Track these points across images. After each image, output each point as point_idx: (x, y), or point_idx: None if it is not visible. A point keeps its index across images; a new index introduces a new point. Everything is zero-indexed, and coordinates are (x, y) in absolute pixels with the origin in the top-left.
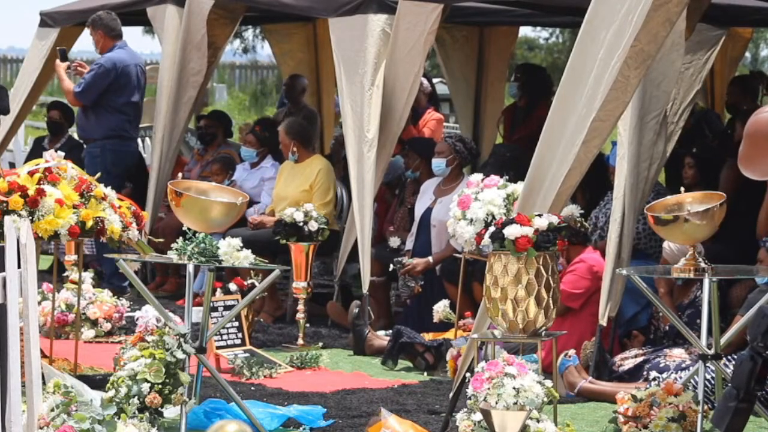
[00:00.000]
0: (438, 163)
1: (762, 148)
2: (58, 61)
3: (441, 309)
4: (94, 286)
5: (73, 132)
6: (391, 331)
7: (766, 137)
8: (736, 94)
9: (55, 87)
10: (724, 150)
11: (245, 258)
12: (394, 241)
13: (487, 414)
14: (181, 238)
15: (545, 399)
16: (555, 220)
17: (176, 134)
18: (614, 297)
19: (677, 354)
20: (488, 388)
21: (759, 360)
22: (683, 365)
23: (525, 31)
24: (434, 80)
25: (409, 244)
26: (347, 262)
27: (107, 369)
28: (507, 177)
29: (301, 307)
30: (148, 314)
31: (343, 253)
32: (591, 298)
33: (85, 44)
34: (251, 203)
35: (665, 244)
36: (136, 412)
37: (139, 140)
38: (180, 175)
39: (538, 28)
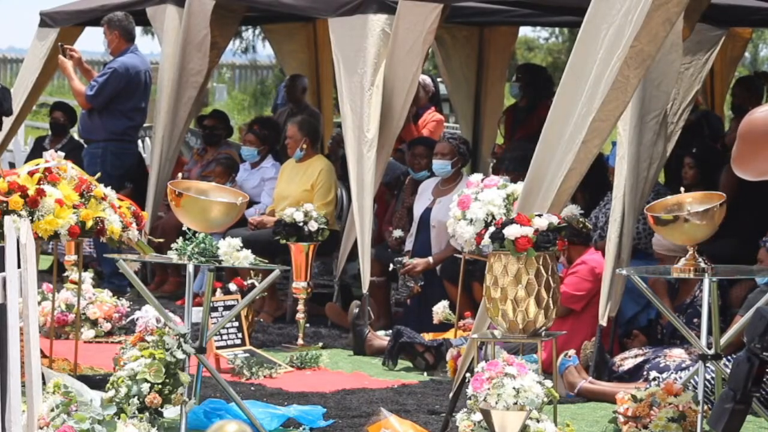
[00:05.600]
0: (443, 165)
1: (756, 147)
2: (63, 58)
3: (441, 310)
4: (94, 286)
5: (75, 132)
6: (391, 331)
7: (760, 136)
8: (741, 96)
9: (55, 87)
10: (726, 150)
11: (245, 258)
12: (396, 233)
13: (487, 414)
14: (181, 238)
15: (545, 399)
16: (555, 220)
17: (176, 134)
18: (614, 297)
19: (677, 354)
20: (488, 388)
21: (756, 361)
22: (683, 365)
23: (525, 31)
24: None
25: (409, 245)
26: (347, 262)
27: (107, 369)
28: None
29: (301, 307)
30: (148, 314)
31: (343, 253)
32: (593, 300)
33: (85, 44)
34: (251, 203)
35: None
36: (136, 412)
37: (139, 140)
38: (180, 175)
39: (538, 28)
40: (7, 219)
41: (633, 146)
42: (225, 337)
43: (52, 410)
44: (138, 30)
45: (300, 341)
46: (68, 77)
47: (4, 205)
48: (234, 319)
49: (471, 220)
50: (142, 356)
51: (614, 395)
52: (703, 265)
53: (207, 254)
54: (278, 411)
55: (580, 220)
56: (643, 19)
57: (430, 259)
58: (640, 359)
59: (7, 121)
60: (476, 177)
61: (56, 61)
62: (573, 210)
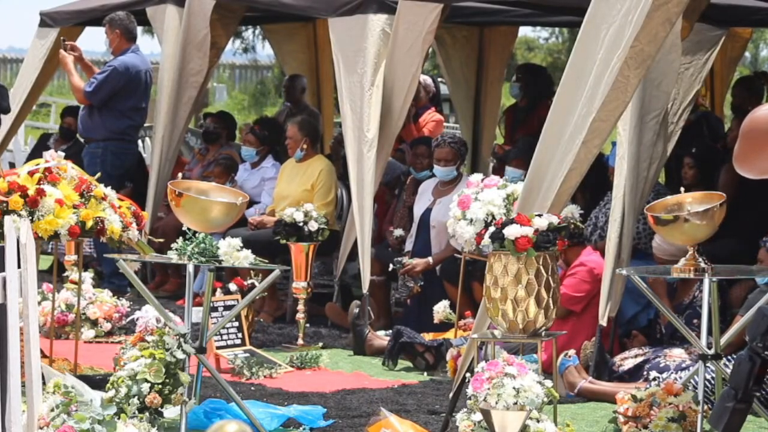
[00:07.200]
0: (448, 171)
1: (758, 145)
2: (63, 52)
3: (441, 310)
4: (94, 286)
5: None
6: (391, 331)
7: (762, 134)
8: (741, 96)
9: (55, 87)
10: (726, 151)
11: (245, 258)
12: (397, 232)
13: (487, 414)
14: (181, 238)
15: (545, 399)
16: (555, 220)
17: (176, 134)
18: (614, 297)
19: (677, 354)
20: (488, 388)
21: (757, 360)
22: (683, 365)
23: (525, 31)
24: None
25: (409, 245)
26: (347, 262)
27: (107, 369)
28: None
29: (301, 307)
30: (148, 314)
31: (343, 253)
32: (593, 301)
33: (85, 44)
34: (251, 203)
35: (656, 239)
36: (136, 412)
37: (139, 140)
38: (180, 175)
39: (538, 28)
40: (7, 219)
41: (633, 146)
42: (225, 337)
43: (52, 410)
44: (138, 30)
45: (300, 341)
46: (68, 72)
47: (4, 205)
48: (234, 319)
49: (471, 220)
50: (142, 356)
51: (614, 395)
52: (703, 265)
53: (207, 254)
54: (278, 411)
55: (572, 221)
56: (643, 19)
57: (430, 259)
58: (640, 359)
59: (7, 121)
60: (476, 177)
61: (56, 61)
62: (573, 210)
